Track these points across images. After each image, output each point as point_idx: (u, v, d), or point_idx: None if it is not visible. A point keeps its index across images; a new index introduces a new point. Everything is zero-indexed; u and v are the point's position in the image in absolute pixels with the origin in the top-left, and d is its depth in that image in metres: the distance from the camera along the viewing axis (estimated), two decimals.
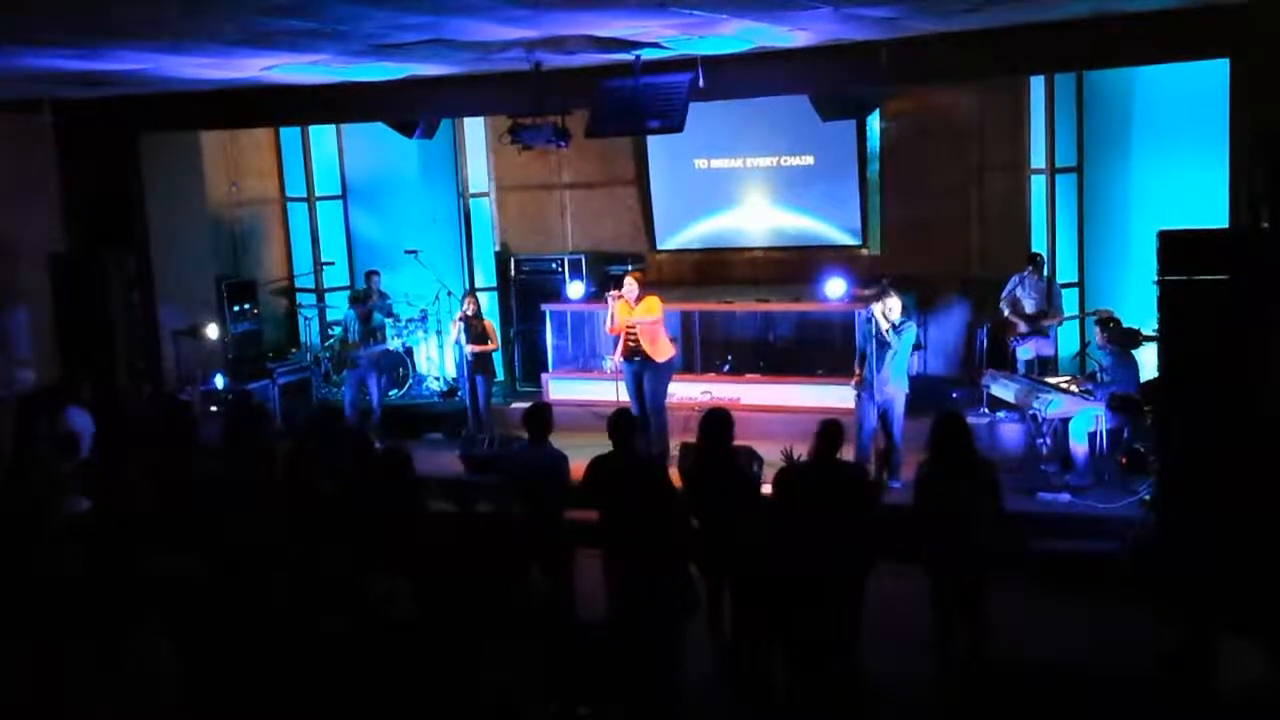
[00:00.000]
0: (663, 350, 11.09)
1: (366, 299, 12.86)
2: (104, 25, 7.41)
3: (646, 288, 11.34)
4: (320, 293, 15.02)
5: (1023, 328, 11.53)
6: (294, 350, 14.72)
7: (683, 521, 7.00)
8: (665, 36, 8.74)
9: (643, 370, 11.03)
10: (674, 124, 9.63)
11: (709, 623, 7.17)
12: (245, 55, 8.85)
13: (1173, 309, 7.48)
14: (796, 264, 13.36)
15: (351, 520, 7.27)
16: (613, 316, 11.13)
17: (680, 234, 14.09)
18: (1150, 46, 8.99)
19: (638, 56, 9.48)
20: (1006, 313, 11.60)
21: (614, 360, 11.41)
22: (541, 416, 7.71)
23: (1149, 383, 9.59)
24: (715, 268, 14.06)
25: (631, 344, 11.02)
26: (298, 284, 15.21)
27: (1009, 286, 11.62)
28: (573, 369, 13.29)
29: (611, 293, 11.29)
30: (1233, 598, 6.75)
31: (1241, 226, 8.25)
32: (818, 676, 6.63)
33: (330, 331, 14.32)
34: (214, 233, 13.78)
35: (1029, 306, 11.52)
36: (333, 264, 15.03)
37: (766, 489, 7.26)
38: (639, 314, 11.04)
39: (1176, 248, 7.43)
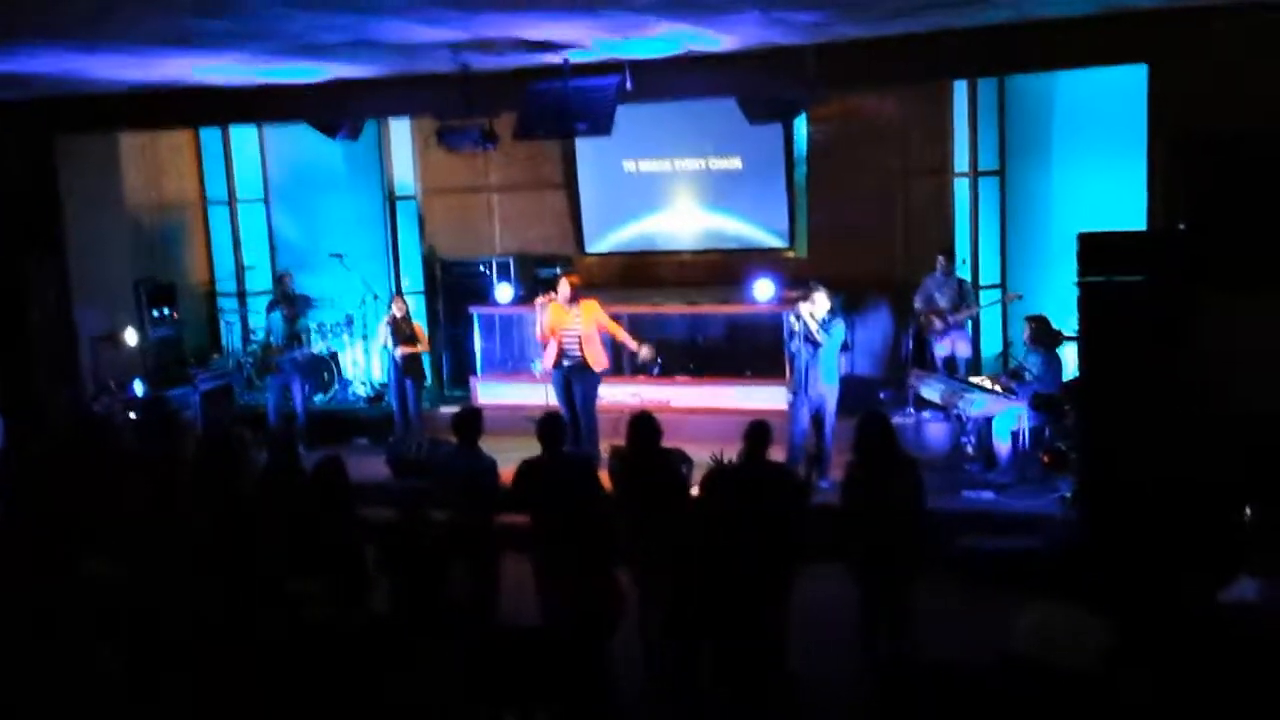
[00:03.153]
0: (599, 358, 11.00)
1: (289, 303, 12.76)
2: (17, 25, 7.31)
3: (580, 291, 11.13)
4: (242, 296, 14.85)
5: (938, 324, 11.73)
6: (216, 355, 14.55)
7: (612, 524, 7.04)
8: (593, 39, 8.78)
9: (572, 376, 10.90)
10: (602, 126, 9.68)
11: (639, 625, 7.21)
12: (164, 56, 8.75)
13: (1092, 309, 7.65)
14: (725, 266, 13.46)
15: (270, 524, 7.23)
16: (544, 321, 10.92)
17: (609, 236, 14.13)
18: (1070, 51, 9.19)
19: (566, 59, 9.51)
20: (922, 309, 11.81)
21: (543, 366, 11.26)
22: (471, 421, 7.71)
23: (1070, 382, 9.80)
24: (644, 270, 14.11)
25: (569, 349, 10.85)
26: (219, 288, 15.02)
27: (924, 284, 11.88)
28: (501, 373, 13.27)
29: (539, 299, 11.11)
30: (1149, 588, 6.91)
31: (1158, 228, 8.46)
32: (746, 677, 6.70)
33: (252, 336, 14.16)
34: (133, 236, 13.58)
35: (942, 302, 11.74)
36: (255, 267, 14.87)
37: (695, 491, 7.33)
38: (582, 320, 10.86)
39: (1095, 249, 7.60)
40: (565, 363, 10.90)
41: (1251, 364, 7.68)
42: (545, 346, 11.06)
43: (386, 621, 6.65)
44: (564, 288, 10.97)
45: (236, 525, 7.29)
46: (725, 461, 7.09)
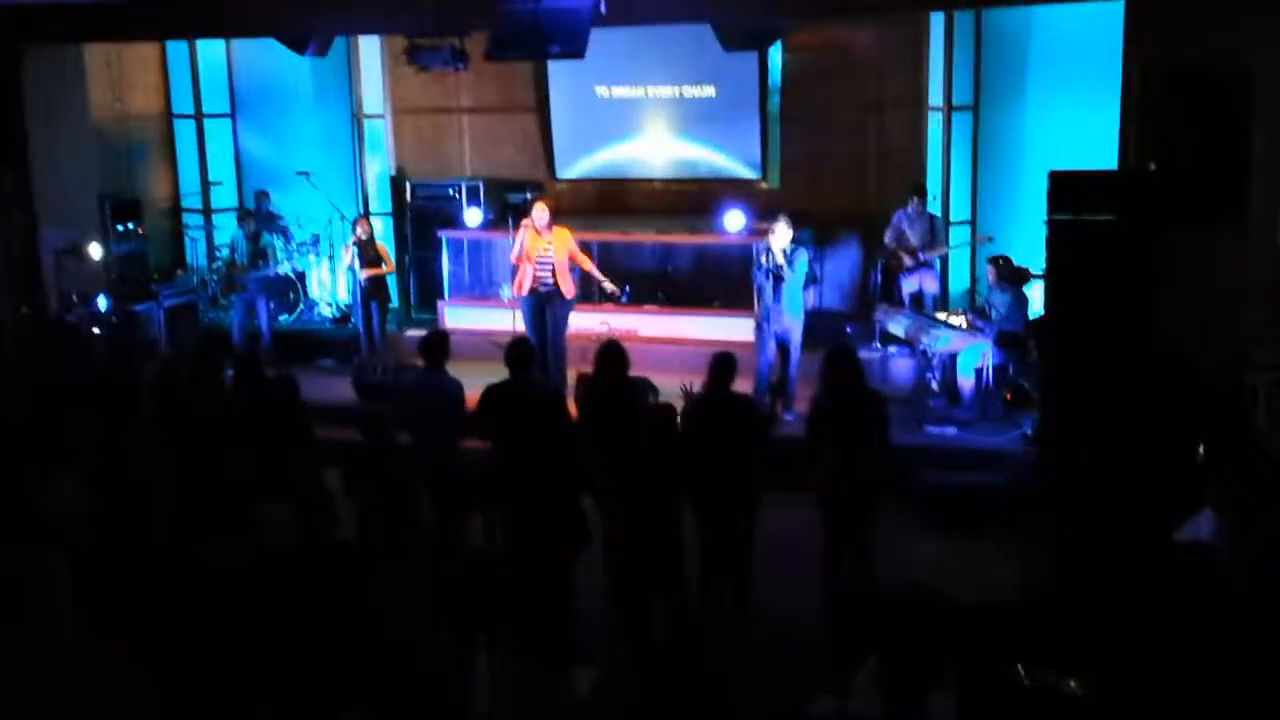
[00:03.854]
0: (570, 286, 10.92)
1: (263, 220, 12.65)
2: None
3: (552, 217, 10.99)
4: (208, 213, 14.68)
5: (908, 261, 11.73)
6: (180, 272, 14.41)
7: (578, 452, 7.06)
8: None
9: (545, 303, 10.84)
10: (575, 49, 9.55)
11: (603, 556, 7.27)
12: None
13: (1059, 248, 7.67)
14: (696, 196, 13.40)
15: (235, 445, 7.22)
16: (521, 244, 10.82)
17: (580, 163, 14.03)
18: None
19: None
20: (892, 246, 11.79)
21: (514, 291, 11.22)
22: (438, 343, 7.71)
23: (1035, 320, 9.87)
24: (614, 198, 14.03)
25: (542, 275, 10.77)
26: (184, 204, 14.84)
27: (894, 220, 11.82)
28: (469, 297, 13.22)
29: (524, 220, 10.95)
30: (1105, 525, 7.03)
31: (1129, 167, 8.47)
32: (706, 610, 6.80)
33: (218, 253, 14.04)
34: (98, 150, 13.36)
35: (913, 239, 11.72)
36: (221, 184, 14.69)
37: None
38: (556, 247, 10.78)
39: (1065, 188, 7.60)
40: (540, 289, 10.85)
41: (1216, 303, 7.76)
42: (518, 270, 10.99)
43: (353, 546, 6.69)
44: (540, 212, 10.85)
45: (202, 446, 7.28)
46: (693, 391, 7.13)
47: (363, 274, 11.81)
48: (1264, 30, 7.80)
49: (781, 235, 9.96)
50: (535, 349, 8.80)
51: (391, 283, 12.43)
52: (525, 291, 10.89)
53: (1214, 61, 7.75)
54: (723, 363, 7.04)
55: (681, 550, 6.61)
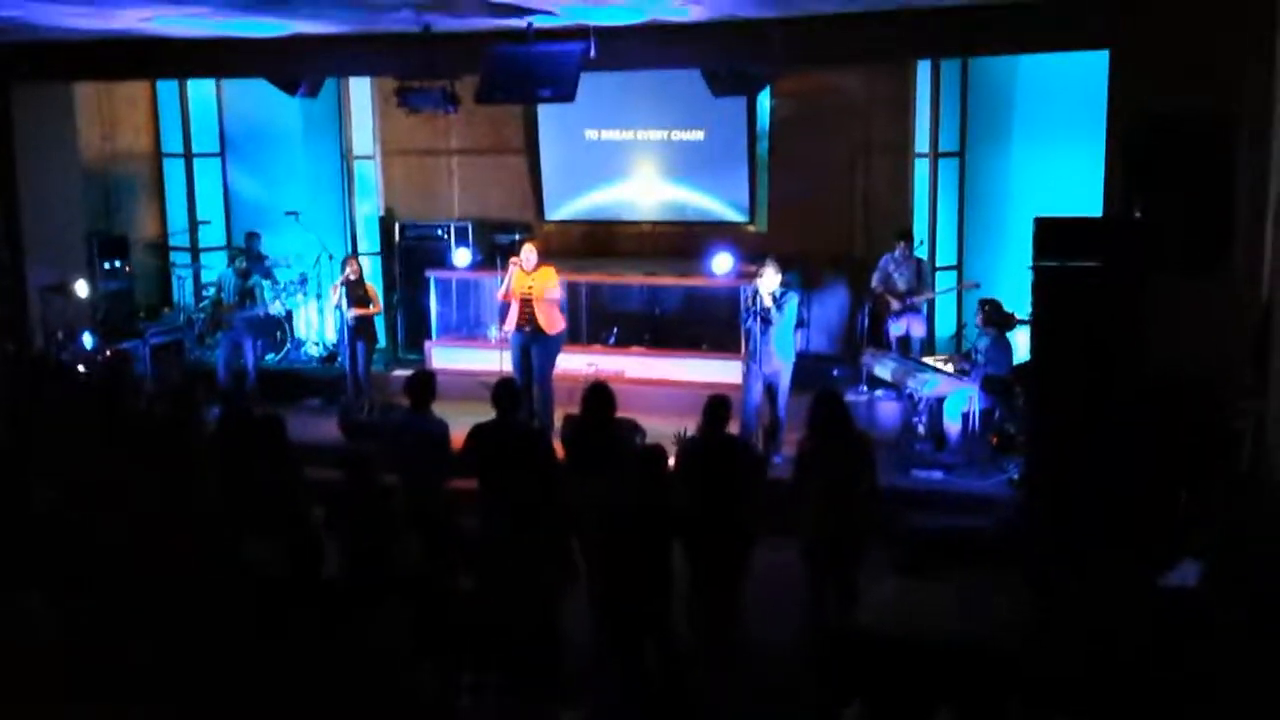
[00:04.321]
0: (555, 323, 10.98)
1: (252, 261, 12.67)
2: None
3: (540, 257, 11.10)
4: (195, 252, 14.67)
5: (895, 305, 11.80)
6: (167, 310, 14.41)
7: (564, 492, 7.05)
8: (559, 4, 8.73)
9: (531, 342, 10.90)
10: (565, 93, 9.62)
11: (589, 593, 7.24)
12: (121, 4, 8.61)
13: (1045, 294, 7.71)
14: (684, 239, 13.46)
15: (224, 482, 7.19)
16: (507, 283, 10.93)
17: (569, 204, 14.08)
18: (1033, 36, 9.26)
19: (530, 23, 9.45)
20: (879, 290, 11.84)
21: (502, 330, 11.24)
22: (424, 384, 7.70)
23: (1021, 365, 9.90)
24: (603, 240, 14.09)
25: (526, 314, 10.86)
26: (172, 242, 14.85)
27: (881, 264, 11.90)
28: (457, 337, 13.23)
29: (513, 259, 11.03)
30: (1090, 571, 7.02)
31: (1114, 214, 8.54)
32: (698, 647, 6.77)
33: (205, 292, 14.03)
34: (86, 188, 13.39)
35: (900, 283, 11.79)
36: (209, 222, 14.70)
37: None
38: (536, 286, 10.87)
39: (1051, 234, 7.64)
40: (525, 328, 10.93)
41: (1201, 349, 7.80)
42: (507, 309, 11.08)
43: (336, 585, 6.64)
44: (528, 252, 10.98)
45: (188, 484, 7.24)
46: (687, 437, 7.16)
47: (350, 313, 11.81)
48: (1248, 77, 7.89)
49: (770, 279, 10.00)
50: (521, 390, 8.80)
51: (379, 323, 12.44)
52: (514, 329, 10.97)
53: (1199, 108, 7.83)
54: (716, 405, 7.09)
55: (670, 591, 6.59)
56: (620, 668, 6.59)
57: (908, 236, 11.90)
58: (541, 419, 10.64)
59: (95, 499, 6.98)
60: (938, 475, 9.81)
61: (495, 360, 11.59)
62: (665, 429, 7.68)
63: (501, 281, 11.04)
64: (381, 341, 12.82)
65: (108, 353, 11.83)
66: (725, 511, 6.81)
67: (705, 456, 7.01)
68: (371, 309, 12.02)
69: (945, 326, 12.49)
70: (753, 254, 12.21)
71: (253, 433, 7.74)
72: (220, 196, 14.84)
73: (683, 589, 6.81)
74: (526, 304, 10.86)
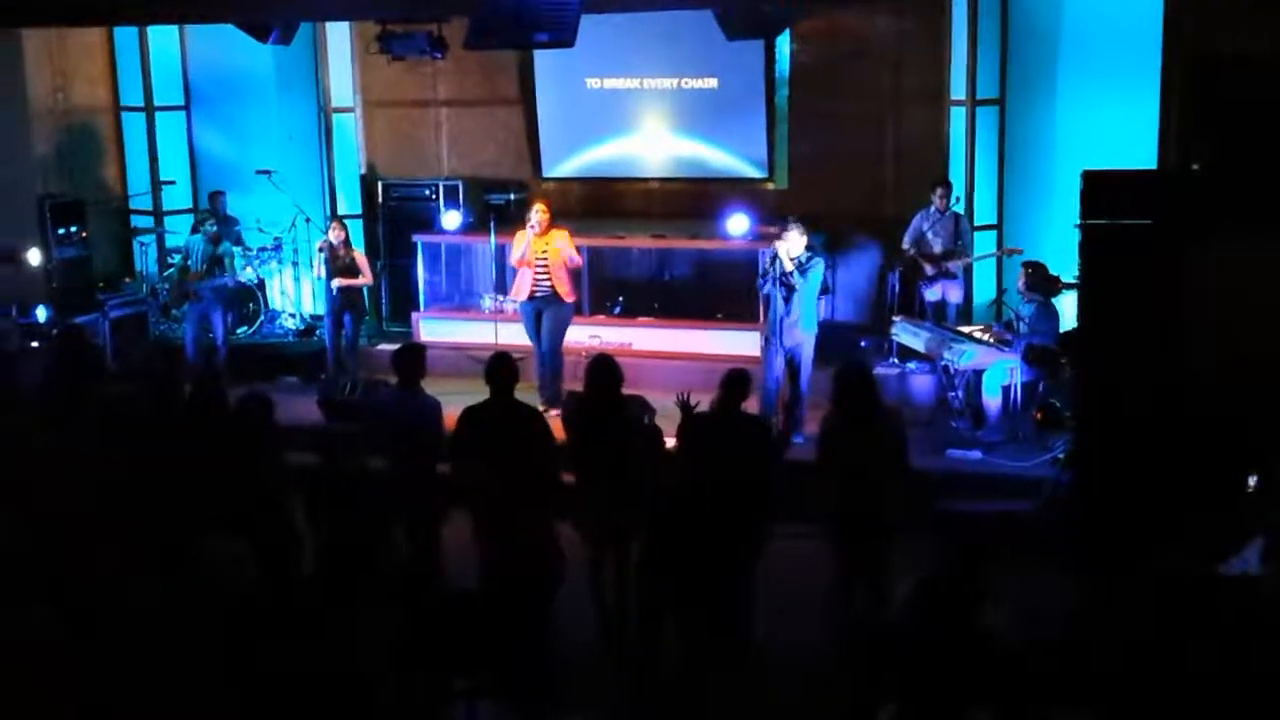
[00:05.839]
0: (570, 290, 11.11)
1: (218, 224, 12.66)
2: None
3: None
4: (159, 215, 14.67)
5: (929, 269, 11.71)
6: (128, 280, 14.43)
7: (559, 478, 7.08)
8: None
9: (544, 308, 11.03)
10: (564, 37, 9.59)
11: (591, 587, 7.27)
12: None
13: (1094, 255, 7.70)
14: (696, 197, 13.44)
15: (189, 475, 7.19)
16: (523, 250, 10.98)
17: (569, 161, 14.06)
18: None
19: None
20: (911, 252, 11.77)
21: (513, 298, 11.31)
22: (413, 359, 7.70)
23: (1068, 334, 9.89)
24: (607, 199, 14.07)
25: (540, 279, 10.97)
26: (133, 205, 14.86)
27: (914, 223, 11.80)
28: (447, 308, 13.24)
29: (530, 223, 11.04)
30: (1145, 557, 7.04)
31: (1169, 167, 8.53)
32: (710, 643, 6.79)
33: (170, 259, 14.04)
34: (38, 146, 13.39)
35: (936, 244, 11.71)
36: (174, 183, 14.69)
37: (670, 441, 7.37)
38: (551, 251, 10.96)
39: (1100, 189, 7.64)
40: (537, 294, 11.02)
41: (1266, 315, 7.77)
42: (518, 275, 11.18)
43: (315, 586, 6.66)
44: (536, 215, 11.03)
45: (153, 474, 7.25)
46: (693, 405, 7.14)
47: (334, 283, 11.81)
48: None
49: (794, 243, 9.99)
50: (518, 365, 8.83)
51: (366, 293, 12.44)
52: (524, 298, 11.06)
53: (1261, 51, 7.79)
54: (736, 379, 7.09)
55: (676, 584, 6.61)
56: (621, 670, 6.63)
57: (945, 185, 11.74)
58: (551, 392, 10.73)
59: (42, 498, 6.99)
60: (976, 455, 9.82)
61: (490, 333, 11.61)
62: (674, 401, 7.65)
63: (514, 247, 11.10)
64: (367, 312, 12.83)
65: (63, 327, 11.82)
66: (739, 495, 6.81)
67: (719, 434, 7.01)
68: (360, 279, 12.01)
69: (984, 292, 12.44)
70: (771, 214, 12.21)
71: (231, 415, 7.73)
72: (185, 154, 14.81)
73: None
74: (543, 270, 10.95)
